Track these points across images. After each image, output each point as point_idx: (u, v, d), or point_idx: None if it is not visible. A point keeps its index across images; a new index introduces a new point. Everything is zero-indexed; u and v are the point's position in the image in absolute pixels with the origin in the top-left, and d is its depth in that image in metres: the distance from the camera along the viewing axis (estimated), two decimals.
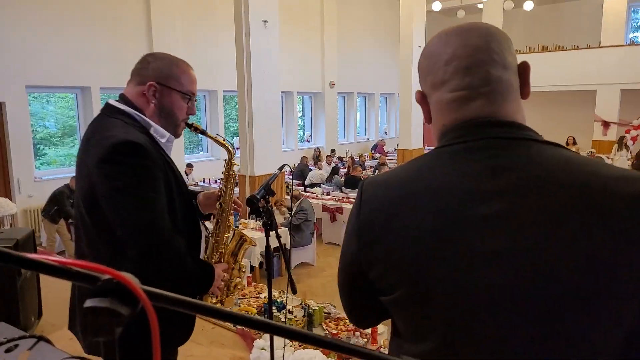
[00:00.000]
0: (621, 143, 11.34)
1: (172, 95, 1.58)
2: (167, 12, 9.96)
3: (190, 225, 1.64)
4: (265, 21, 7.21)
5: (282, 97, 12.57)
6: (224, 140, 1.78)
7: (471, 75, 0.83)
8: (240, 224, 6.54)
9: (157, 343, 0.49)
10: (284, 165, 2.38)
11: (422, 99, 0.93)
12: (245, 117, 7.26)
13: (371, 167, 11.62)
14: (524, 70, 0.87)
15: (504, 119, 0.82)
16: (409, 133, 11.91)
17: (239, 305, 4.19)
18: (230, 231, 1.81)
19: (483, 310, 0.73)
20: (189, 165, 10.01)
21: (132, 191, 1.39)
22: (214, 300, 1.74)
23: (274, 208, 7.15)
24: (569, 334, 0.70)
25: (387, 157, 13.03)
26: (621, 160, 11.02)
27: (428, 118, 0.93)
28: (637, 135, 11.81)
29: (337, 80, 14.37)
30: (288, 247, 6.63)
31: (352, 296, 0.95)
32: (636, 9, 16.95)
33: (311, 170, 10.76)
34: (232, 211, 1.79)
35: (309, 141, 14.64)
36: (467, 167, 0.79)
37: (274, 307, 3.74)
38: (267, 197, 1.99)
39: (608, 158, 11.71)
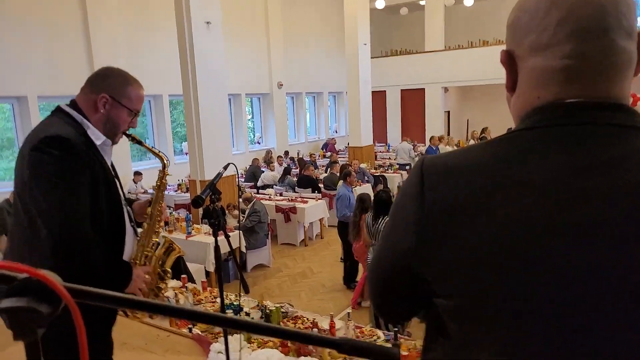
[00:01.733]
0: None
1: (120, 110, 1.74)
2: (104, 18, 9.61)
3: (115, 225, 1.73)
4: (208, 22, 7.10)
5: (229, 99, 12.42)
6: (158, 151, 1.93)
7: (592, 42, 0.67)
8: (193, 229, 6.42)
9: (83, 340, 0.48)
10: (228, 164, 2.37)
11: (509, 60, 0.76)
12: (193, 121, 7.13)
13: (323, 166, 11.69)
14: None
15: (617, 102, 0.68)
16: (358, 131, 12.08)
17: None
18: (160, 237, 1.91)
19: (571, 329, 0.62)
20: (137, 173, 9.71)
21: (53, 178, 1.51)
22: None
23: (227, 212, 7.06)
24: None
25: (338, 156, 13.14)
26: None
27: (511, 85, 0.77)
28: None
29: (285, 81, 14.36)
30: (243, 250, 6.58)
31: (391, 291, 0.83)
32: None
33: (263, 172, 10.70)
34: (161, 218, 1.89)
35: (259, 143, 14.54)
36: (570, 158, 0.65)
37: (229, 311, 3.69)
38: (213, 196, 1.99)
39: None
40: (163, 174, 1.92)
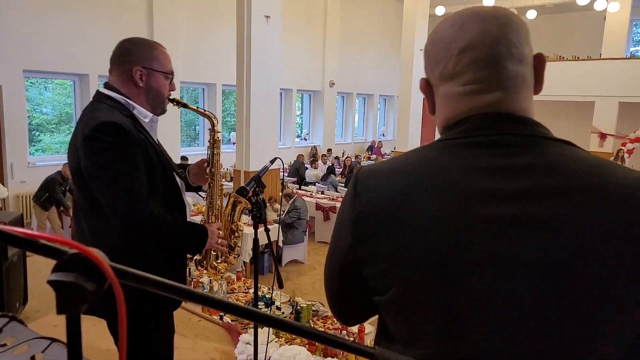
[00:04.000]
0: (617, 156, 11.39)
1: (157, 76, 1.72)
2: (169, 2, 9.90)
3: (172, 200, 1.74)
4: (267, 16, 7.18)
5: (281, 94, 12.57)
6: (204, 110, 1.93)
7: (488, 69, 0.76)
8: None
9: (123, 320, 0.48)
10: (275, 159, 2.36)
11: (427, 88, 0.85)
12: (243, 112, 7.24)
13: None
14: (539, 63, 0.81)
15: (519, 114, 0.76)
16: (406, 135, 11.92)
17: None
18: (225, 196, 1.94)
19: (497, 319, 0.68)
20: (184, 158, 9.98)
21: (112, 165, 1.52)
22: (219, 261, 1.90)
23: (268, 204, 7.13)
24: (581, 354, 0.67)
25: (383, 159, 13.04)
26: None
27: (432, 109, 0.86)
28: (634, 148, 11.85)
29: (337, 80, 14.38)
30: (280, 244, 6.62)
31: (338, 291, 0.89)
32: (638, 22, 17.02)
33: (307, 168, 10.75)
34: (220, 175, 1.93)
35: (306, 139, 14.63)
36: (478, 163, 0.72)
37: (262, 303, 3.72)
38: (257, 189, 1.99)
39: None
40: (214, 132, 1.92)
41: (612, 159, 11.51)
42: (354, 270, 0.80)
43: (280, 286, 2.09)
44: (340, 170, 11.65)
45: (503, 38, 0.76)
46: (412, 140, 11.82)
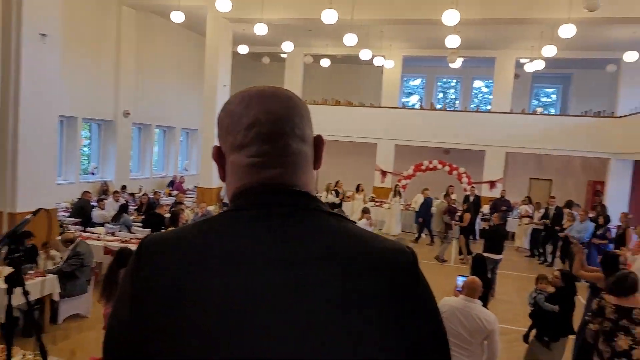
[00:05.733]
0: (396, 190, 13.07)
1: None
2: None
3: None
4: (43, 34, 6.22)
5: (62, 121, 11.03)
6: None
7: (271, 144, 0.83)
8: None
9: None
10: (39, 210, 2.12)
11: (219, 156, 0.90)
12: (9, 141, 6.04)
13: (168, 205, 10.87)
14: (319, 144, 0.90)
15: (298, 189, 0.83)
16: (210, 170, 11.66)
17: None
18: None
19: None
20: None
21: None
22: None
23: (41, 252, 5.99)
24: None
25: (185, 195, 12.43)
26: (395, 205, 12.71)
27: (223, 176, 0.90)
28: (406, 184, 13.78)
29: (133, 110, 13.24)
30: (56, 298, 5.58)
31: None
32: (408, 78, 20.28)
33: (94, 207, 9.48)
34: None
35: (94, 174, 13.04)
36: (257, 234, 0.77)
37: None
38: (12, 246, 1.64)
39: (386, 203, 13.39)
40: None
41: (391, 193, 13.18)
42: (136, 348, 0.76)
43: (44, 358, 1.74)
44: (136, 207, 10.66)
45: (286, 118, 0.84)
46: (216, 176, 11.59)
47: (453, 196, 11.40)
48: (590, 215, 10.16)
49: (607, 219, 9.97)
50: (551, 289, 4.72)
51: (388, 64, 15.29)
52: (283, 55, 16.94)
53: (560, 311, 4.46)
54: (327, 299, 0.72)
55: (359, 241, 0.79)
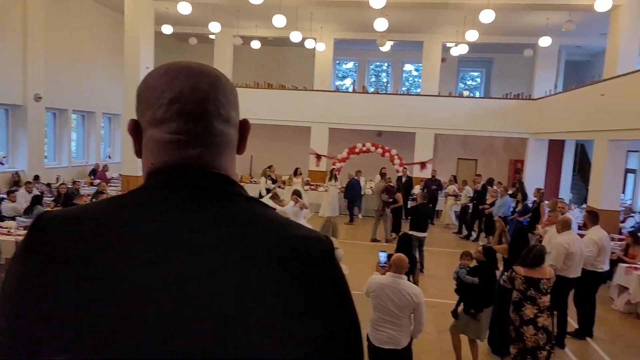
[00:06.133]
0: (331, 174, 13.07)
1: None
2: None
3: None
4: None
5: None
6: None
7: (193, 122, 0.79)
8: None
9: None
10: None
11: (135, 129, 0.83)
12: None
13: (88, 195, 10.16)
14: (244, 128, 0.87)
15: (217, 171, 0.80)
16: (135, 158, 10.97)
17: None
18: None
19: None
20: None
21: None
22: None
23: None
24: None
25: (109, 184, 11.70)
26: (332, 189, 12.72)
27: (138, 150, 0.84)
28: (341, 167, 13.82)
29: (45, 94, 12.15)
30: None
31: (7, 352, 0.73)
32: (340, 61, 20.25)
33: (3, 200, 8.68)
34: None
35: (2, 163, 11.90)
36: (165, 217, 0.73)
37: None
38: None
39: (322, 186, 13.38)
40: None
41: (328, 176, 13.18)
42: (26, 332, 0.69)
43: None
44: (53, 198, 9.88)
45: (212, 97, 0.80)
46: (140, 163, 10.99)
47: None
48: (510, 191, 10.68)
49: (525, 195, 10.55)
50: (474, 264, 4.87)
51: (319, 46, 15.16)
52: (211, 37, 16.30)
53: (481, 283, 4.62)
54: (221, 288, 0.69)
55: (272, 228, 0.77)
